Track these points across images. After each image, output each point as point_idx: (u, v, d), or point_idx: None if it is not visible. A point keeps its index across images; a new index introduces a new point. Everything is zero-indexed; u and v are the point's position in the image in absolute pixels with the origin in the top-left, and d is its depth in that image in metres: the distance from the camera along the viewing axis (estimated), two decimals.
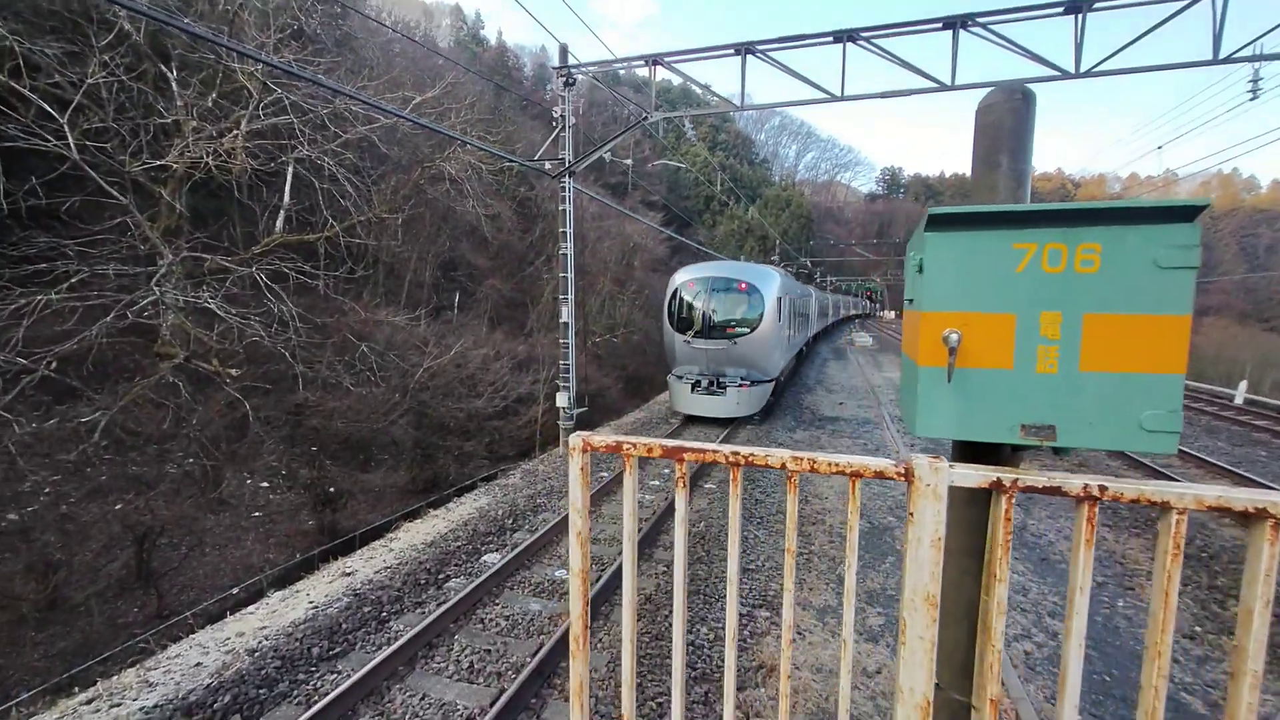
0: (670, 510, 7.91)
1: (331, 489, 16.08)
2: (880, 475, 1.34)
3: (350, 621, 5.56)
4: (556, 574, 6.54)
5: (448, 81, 21.10)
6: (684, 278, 14.14)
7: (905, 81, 10.01)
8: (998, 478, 1.26)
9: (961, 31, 9.61)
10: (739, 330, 13.22)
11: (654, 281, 42.24)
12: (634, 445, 1.50)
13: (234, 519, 14.26)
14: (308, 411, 15.01)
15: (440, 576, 6.46)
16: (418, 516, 8.84)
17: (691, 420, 13.92)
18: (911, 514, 1.31)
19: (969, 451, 1.60)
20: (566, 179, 11.76)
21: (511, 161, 11.67)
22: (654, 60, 11.36)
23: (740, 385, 13.03)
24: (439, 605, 5.76)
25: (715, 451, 1.44)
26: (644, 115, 12.02)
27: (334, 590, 6.18)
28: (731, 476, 1.45)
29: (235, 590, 10.32)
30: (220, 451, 13.35)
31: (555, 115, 11.66)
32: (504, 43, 53.96)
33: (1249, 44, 8.91)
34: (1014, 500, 1.26)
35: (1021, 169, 1.63)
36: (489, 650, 5.14)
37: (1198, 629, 5.69)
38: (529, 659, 4.94)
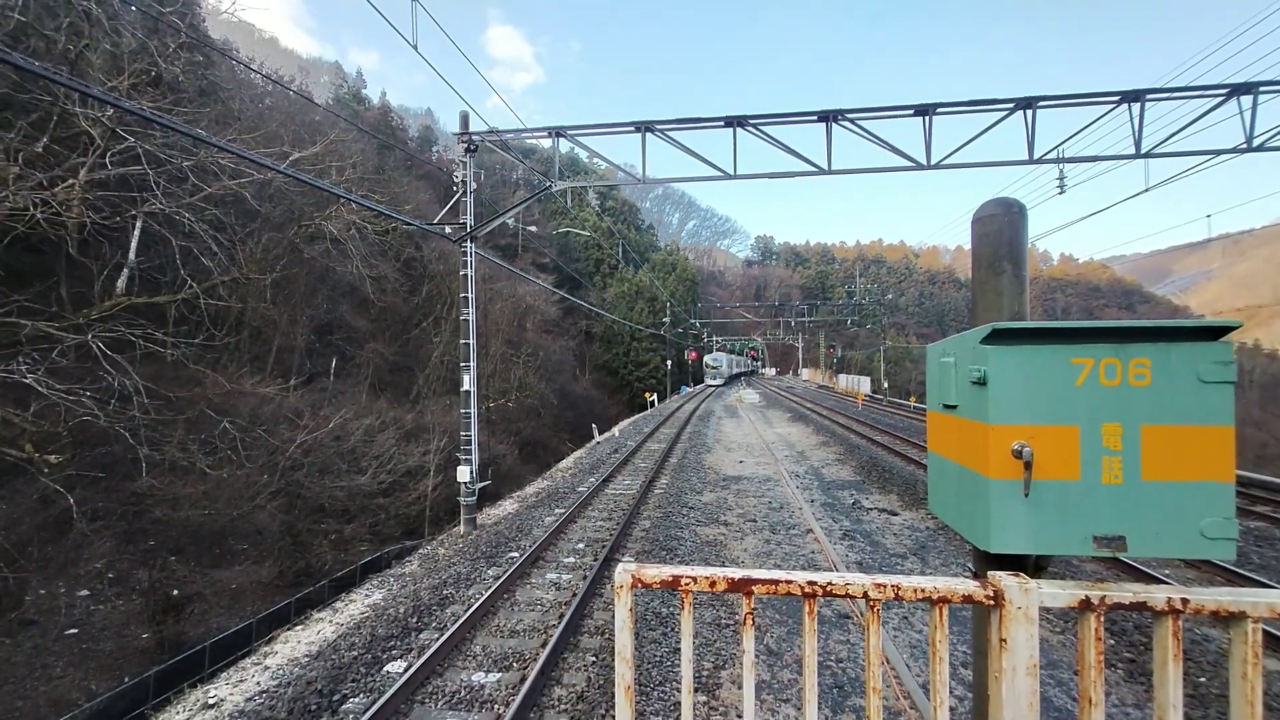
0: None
1: (175, 592, 13.63)
2: (968, 599, 1.26)
3: None
4: (474, 678, 5.84)
5: (329, 138, 20.15)
6: (708, 356, 66.23)
7: (789, 164, 11.00)
8: (1086, 596, 1.23)
9: (834, 125, 10.80)
10: (719, 369, 64.51)
11: (548, 344, 41.82)
12: (693, 579, 1.32)
13: (39, 642, 11.59)
14: (150, 501, 12.78)
15: (335, 699, 5.51)
16: (299, 622, 7.64)
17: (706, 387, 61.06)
18: (1004, 640, 1.24)
19: (983, 561, 1.55)
20: (468, 243, 11.44)
21: (409, 224, 11.18)
22: (557, 132, 11.61)
23: (719, 381, 62.97)
24: None
25: (789, 582, 1.30)
26: (547, 184, 12.14)
27: None
28: (806, 609, 1.30)
29: None
30: (28, 558, 10.90)
31: (456, 180, 11.42)
32: (388, 103, 53.00)
33: (1054, 148, 10.92)
34: (1102, 618, 1.24)
35: (1023, 275, 1.72)
36: None
37: None
38: None
